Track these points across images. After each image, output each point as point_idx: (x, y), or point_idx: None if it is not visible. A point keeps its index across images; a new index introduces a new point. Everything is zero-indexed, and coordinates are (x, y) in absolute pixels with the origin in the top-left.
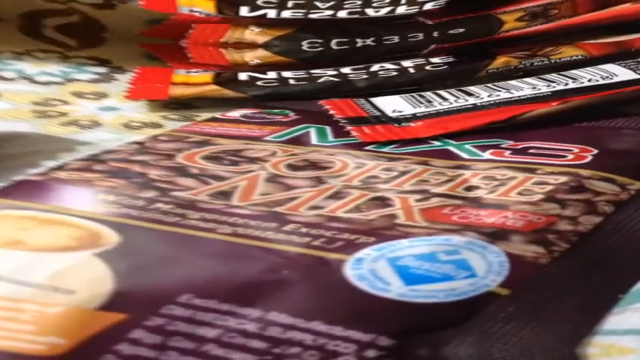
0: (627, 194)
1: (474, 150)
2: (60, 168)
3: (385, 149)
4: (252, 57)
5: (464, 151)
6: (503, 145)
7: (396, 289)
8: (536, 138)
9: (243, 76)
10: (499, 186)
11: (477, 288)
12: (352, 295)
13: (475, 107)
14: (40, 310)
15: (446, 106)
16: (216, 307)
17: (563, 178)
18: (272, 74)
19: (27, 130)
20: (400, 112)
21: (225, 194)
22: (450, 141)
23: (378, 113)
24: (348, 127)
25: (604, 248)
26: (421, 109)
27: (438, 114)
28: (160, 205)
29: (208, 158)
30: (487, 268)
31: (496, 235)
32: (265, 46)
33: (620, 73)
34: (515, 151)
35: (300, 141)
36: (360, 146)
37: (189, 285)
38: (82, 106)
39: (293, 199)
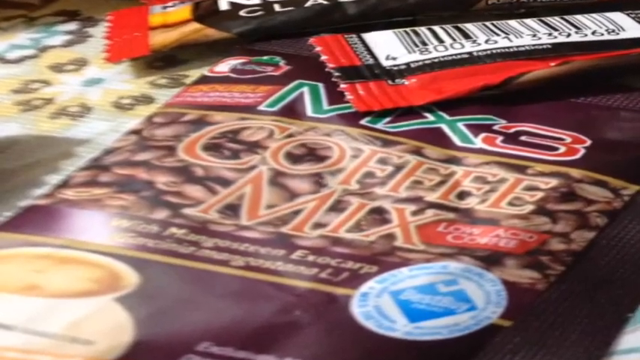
0: (620, 201)
1: (467, 132)
2: (65, 184)
3: (379, 125)
4: None
5: (457, 133)
6: (495, 127)
7: (401, 328)
8: (529, 118)
9: (223, 4)
10: (490, 192)
11: (479, 322)
12: (361, 336)
13: (471, 58)
14: None
15: (441, 52)
16: (232, 355)
17: (553, 182)
18: None
19: (18, 132)
20: (394, 58)
21: (234, 208)
22: (444, 115)
23: (371, 60)
24: (342, 86)
25: (602, 267)
26: (415, 56)
27: (432, 65)
28: (173, 229)
29: (208, 149)
30: (486, 299)
31: (490, 259)
32: None
33: (628, 26)
34: (507, 138)
35: (294, 111)
36: (354, 119)
37: (207, 332)
38: (65, 85)
39: (297, 212)
